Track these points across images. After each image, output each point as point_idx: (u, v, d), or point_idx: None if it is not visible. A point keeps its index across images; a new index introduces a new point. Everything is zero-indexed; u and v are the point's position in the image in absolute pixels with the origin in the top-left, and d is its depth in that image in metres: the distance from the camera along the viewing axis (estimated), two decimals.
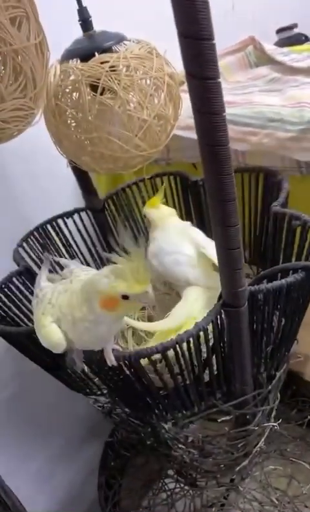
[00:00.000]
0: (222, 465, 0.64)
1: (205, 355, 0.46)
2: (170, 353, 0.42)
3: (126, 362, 0.42)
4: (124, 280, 0.38)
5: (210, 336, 0.45)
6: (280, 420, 0.60)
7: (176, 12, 0.29)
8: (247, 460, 0.64)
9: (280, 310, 0.49)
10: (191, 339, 0.42)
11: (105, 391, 0.55)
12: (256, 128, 0.64)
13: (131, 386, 0.46)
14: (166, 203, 0.77)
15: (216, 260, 0.56)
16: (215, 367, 0.49)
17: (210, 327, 0.44)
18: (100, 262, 0.78)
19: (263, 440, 0.63)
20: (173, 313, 0.56)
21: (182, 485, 0.75)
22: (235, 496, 0.74)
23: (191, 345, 0.42)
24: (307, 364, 0.82)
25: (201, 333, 0.42)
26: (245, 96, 0.75)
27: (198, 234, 0.64)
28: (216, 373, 0.49)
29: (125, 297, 0.38)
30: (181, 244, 0.62)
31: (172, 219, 0.68)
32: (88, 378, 0.52)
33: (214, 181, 0.35)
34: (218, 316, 0.44)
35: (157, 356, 0.42)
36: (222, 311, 0.43)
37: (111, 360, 0.42)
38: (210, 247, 0.59)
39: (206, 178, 0.35)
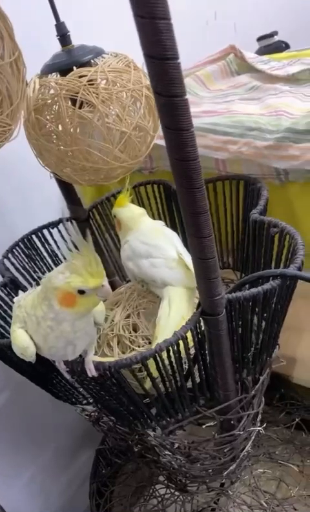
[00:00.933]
0: (210, 470, 0.64)
1: (186, 363, 0.47)
2: (151, 361, 0.42)
3: (107, 372, 0.43)
4: (78, 275, 0.38)
5: (190, 345, 0.46)
6: (265, 424, 0.60)
7: (140, 34, 0.30)
8: (234, 464, 0.64)
9: (259, 316, 0.50)
10: (171, 348, 0.42)
11: (91, 400, 0.55)
12: (235, 136, 0.66)
13: (114, 395, 0.47)
14: (150, 211, 0.79)
15: (192, 267, 0.57)
16: (197, 374, 0.49)
17: (189, 336, 0.44)
18: None
19: (249, 444, 0.64)
20: (163, 316, 0.56)
21: (172, 490, 0.76)
22: (225, 501, 0.75)
23: (171, 353, 0.43)
24: (295, 367, 0.83)
25: (181, 342, 0.43)
26: (225, 105, 0.77)
27: (173, 235, 0.64)
28: (198, 380, 0.50)
29: (81, 292, 0.39)
30: (156, 245, 0.61)
31: (144, 219, 0.66)
32: (73, 387, 0.53)
33: (185, 195, 0.36)
34: (197, 325, 0.44)
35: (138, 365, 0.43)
36: (201, 319, 0.44)
37: (91, 371, 0.43)
38: (186, 252, 0.60)
39: (178, 192, 0.36)
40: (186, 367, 0.48)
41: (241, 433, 0.59)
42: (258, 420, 0.63)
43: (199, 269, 0.41)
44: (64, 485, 0.91)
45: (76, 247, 0.39)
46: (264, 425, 0.61)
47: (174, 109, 0.32)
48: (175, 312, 0.55)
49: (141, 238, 0.62)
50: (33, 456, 0.86)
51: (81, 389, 0.53)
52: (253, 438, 0.64)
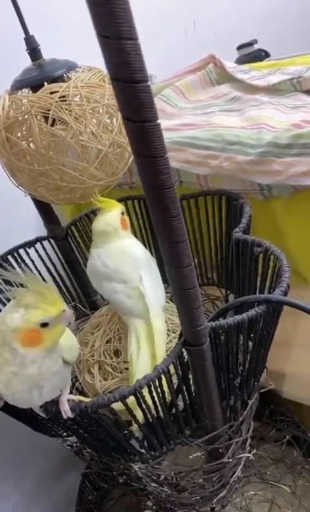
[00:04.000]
0: (199, 498, 0.62)
1: (169, 396, 0.45)
2: (131, 399, 0.40)
3: (83, 413, 0.40)
4: (35, 308, 0.36)
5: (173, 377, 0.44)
6: (255, 450, 0.58)
7: (105, 55, 0.27)
8: (224, 491, 0.62)
9: (245, 342, 0.47)
10: (152, 383, 0.40)
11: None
12: (216, 151, 0.64)
13: (93, 433, 0.44)
14: (132, 227, 0.76)
15: (151, 299, 0.54)
16: (181, 405, 0.47)
17: (172, 368, 0.42)
18: (66, 291, 0.76)
19: (239, 469, 0.62)
20: (133, 354, 0.53)
21: None
22: None
23: (152, 389, 0.41)
24: (284, 382, 0.81)
25: (163, 376, 0.41)
26: (205, 117, 0.75)
27: (143, 256, 0.58)
28: (182, 411, 0.47)
29: (45, 325, 0.36)
30: (117, 269, 0.56)
31: (121, 234, 0.59)
32: (52, 422, 0.50)
33: (162, 225, 0.34)
34: (179, 356, 0.42)
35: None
36: (183, 349, 0.42)
37: (66, 412, 0.40)
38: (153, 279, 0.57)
39: (154, 222, 0.34)
40: (169, 398, 0.46)
41: (230, 460, 0.56)
42: (247, 445, 0.60)
43: (180, 299, 0.38)
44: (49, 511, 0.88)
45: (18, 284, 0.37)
46: (254, 451, 0.59)
47: (146, 135, 0.29)
48: (144, 348, 0.53)
49: (103, 257, 0.57)
50: (15, 484, 0.82)
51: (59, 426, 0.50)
52: (243, 463, 0.61)
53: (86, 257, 0.76)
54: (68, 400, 0.40)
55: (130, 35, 0.26)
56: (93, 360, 0.60)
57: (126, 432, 0.45)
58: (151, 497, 0.66)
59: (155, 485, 0.56)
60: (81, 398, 0.42)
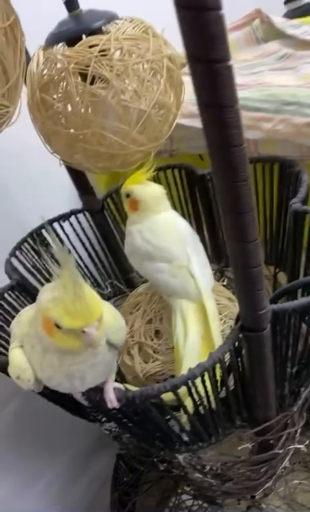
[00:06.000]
0: (244, 488, 0.58)
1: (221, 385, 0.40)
2: (182, 389, 0.35)
3: (130, 403, 0.36)
4: (57, 306, 0.30)
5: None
6: (308, 441, 0.54)
7: None
8: (271, 482, 0.58)
9: (308, 328, 0.42)
10: (206, 373, 0.35)
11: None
12: (269, 113, 0.57)
13: (138, 423, 0.40)
14: (171, 200, 0.71)
15: (199, 277, 0.49)
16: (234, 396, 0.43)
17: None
18: (101, 267, 0.72)
19: (287, 459, 0.58)
20: (179, 337, 0.49)
21: (200, 502, 0.70)
22: None
23: (206, 378, 0.36)
24: None
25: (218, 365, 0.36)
26: (254, 77, 0.68)
27: (187, 232, 0.53)
28: (235, 401, 0.43)
29: (58, 327, 0.30)
30: (161, 246, 0.51)
31: (165, 205, 0.54)
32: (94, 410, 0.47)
33: (227, 189, 0.28)
34: (235, 343, 0.37)
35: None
36: (241, 336, 0.37)
37: (112, 402, 0.36)
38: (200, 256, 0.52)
39: (217, 186, 0.29)
40: (222, 387, 0.41)
41: (281, 451, 0.52)
42: (297, 435, 0.56)
43: (241, 279, 0.33)
44: (82, 491, 0.87)
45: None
46: (307, 441, 0.54)
47: (216, 78, 0.24)
48: (193, 331, 0.48)
49: (145, 234, 0.52)
50: (50, 462, 0.81)
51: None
52: (291, 453, 0.57)
53: (123, 231, 0.72)
54: (114, 389, 0.36)
55: None
56: (133, 341, 0.56)
57: (174, 423, 0.41)
58: (190, 483, 0.63)
59: (199, 475, 0.53)
60: (128, 386, 0.38)
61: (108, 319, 0.35)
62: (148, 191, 0.53)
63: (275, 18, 0.83)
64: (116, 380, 0.39)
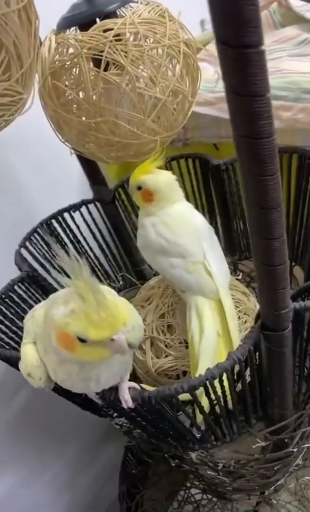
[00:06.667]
0: (255, 485, 0.58)
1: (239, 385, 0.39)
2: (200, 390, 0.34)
3: (145, 403, 0.35)
4: (78, 319, 0.28)
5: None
6: None
7: None
8: (283, 479, 0.57)
9: None
10: (225, 374, 0.34)
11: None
12: (288, 101, 0.55)
13: (153, 422, 0.39)
14: (185, 191, 0.69)
15: (216, 274, 0.48)
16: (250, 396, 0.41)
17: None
18: (111, 258, 0.71)
19: (300, 457, 0.57)
20: (195, 333, 0.47)
21: (210, 496, 0.70)
22: (268, 509, 0.68)
23: (224, 378, 0.35)
24: None
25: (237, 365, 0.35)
26: (272, 63, 0.65)
27: (203, 226, 0.51)
28: (251, 400, 0.42)
29: (82, 340, 0.28)
30: (176, 242, 0.49)
31: (179, 194, 0.52)
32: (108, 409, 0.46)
33: (253, 183, 0.27)
34: (256, 341, 0.36)
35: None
36: (261, 334, 0.36)
37: (127, 402, 0.34)
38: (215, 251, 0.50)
39: (243, 179, 0.27)
40: (239, 386, 0.40)
41: (295, 450, 0.51)
42: None
43: (265, 277, 0.32)
44: (89, 481, 0.87)
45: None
46: None
47: (248, 65, 0.22)
48: (209, 328, 0.46)
49: (160, 228, 0.49)
50: (58, 453, 0.81)
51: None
52: (305, 451, 0.56)
53: (135, 222, 0.70)
54: (129, 388, 0.35)
55: None
56: (145, 335, 0.55)
57: (189, 421, 0.40)
58: (200, 479, 0.62)
59: (212, 473, 0.52)
60: (144, 386, 0.37)
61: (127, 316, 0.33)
62: (161, 178, 0.50)
63: (293, 1, 0.80)
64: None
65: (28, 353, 0.34)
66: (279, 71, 0.59)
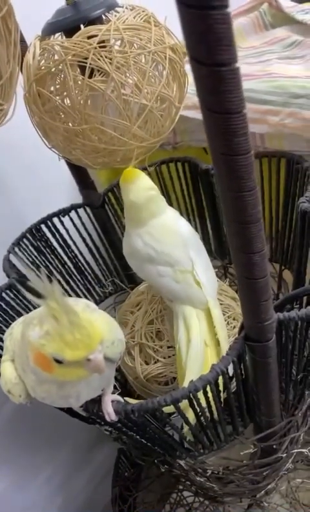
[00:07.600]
0: (245, 490, 0.58)
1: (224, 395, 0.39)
2: (183, 403, 0.34)
3: (129, 416, 0.35)
4: (53, 340, 0.27)
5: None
6: None
7: None
8: (273, 483, 0.57)
9: None
10: (208, 386, 0.34)
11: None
12: (276, 105, 0.55)
13: (138, 432, 0.39)
14: (174, 194, 0.69)
15: (205, 283, 0.47)
16: (236, 404, 0.41)
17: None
18: (102, 263, 0.70)
19: (290, 461, 0.57)
20: (182, 343, 0.47)
21: (202, 499, 0.70)
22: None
23: (208, 389, 0.35)
24: None
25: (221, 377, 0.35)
26: (261, 66, 0.65)
27: (190, 235, 0.50)
28: (238, 409, 0.42)
29: (59, 361, 0.28)
30: (163, 251, 0.48)
31: (160, 206, 0.50)
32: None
33: (232, 199, 0.27)
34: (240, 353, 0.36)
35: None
36: (245, 345, 0.36)
37: (110, 415, 0.34)
38: (202, 260, 0.50)
39: (222, 195, 0.27)
40: (224, 396, 0.40)
41: (284, 455, 0.51)
42: (301, 438, 0.55)
43: (246, 289, 0.32)
44: (83, 483, 0.87)
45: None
46: None
47: (221, 83, 0.22)
48: (196, 339, 0.46)
49: (145, 238, 0.49)
50: (50, 455, 0.81)
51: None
52: (294, 455, 0.56)
53: (125, 226, 0.70)
54: (112, 401, 0.35)
55: None
56: (134, 341, 0.55)
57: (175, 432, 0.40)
58: (193, 484, 0.62)
59: (201, 479, 0.52)
60: (128, 399, 0.36)
61: (104, 333, 0.33)
62: (132, 198, 0.48)
63: (284, 2, 0.79)
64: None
65: (7, 370, 0.35)
66: (267, 74, 0.59)
